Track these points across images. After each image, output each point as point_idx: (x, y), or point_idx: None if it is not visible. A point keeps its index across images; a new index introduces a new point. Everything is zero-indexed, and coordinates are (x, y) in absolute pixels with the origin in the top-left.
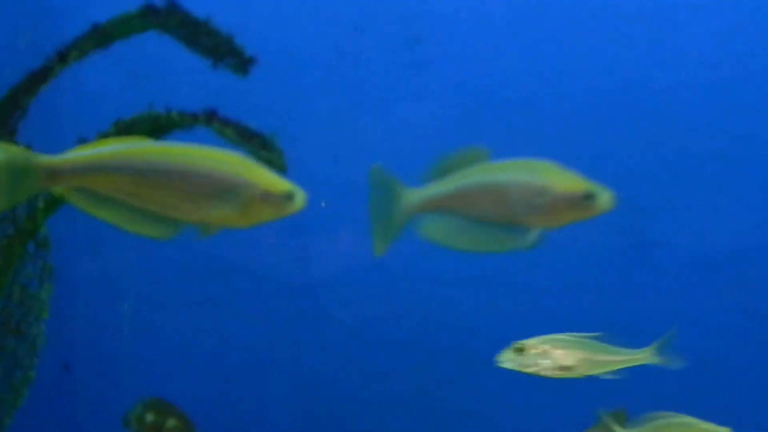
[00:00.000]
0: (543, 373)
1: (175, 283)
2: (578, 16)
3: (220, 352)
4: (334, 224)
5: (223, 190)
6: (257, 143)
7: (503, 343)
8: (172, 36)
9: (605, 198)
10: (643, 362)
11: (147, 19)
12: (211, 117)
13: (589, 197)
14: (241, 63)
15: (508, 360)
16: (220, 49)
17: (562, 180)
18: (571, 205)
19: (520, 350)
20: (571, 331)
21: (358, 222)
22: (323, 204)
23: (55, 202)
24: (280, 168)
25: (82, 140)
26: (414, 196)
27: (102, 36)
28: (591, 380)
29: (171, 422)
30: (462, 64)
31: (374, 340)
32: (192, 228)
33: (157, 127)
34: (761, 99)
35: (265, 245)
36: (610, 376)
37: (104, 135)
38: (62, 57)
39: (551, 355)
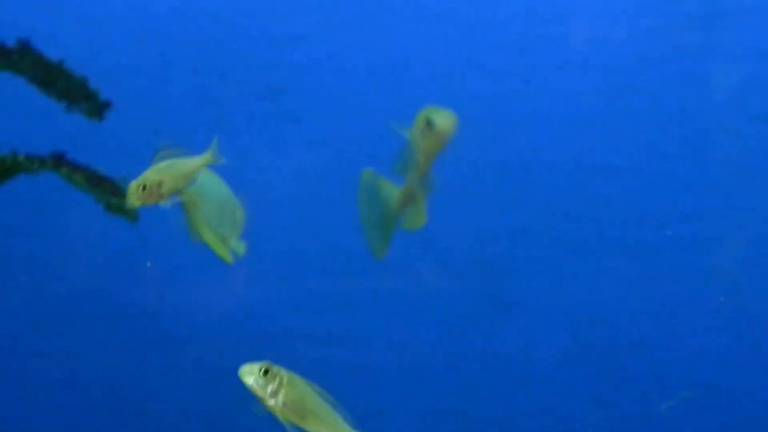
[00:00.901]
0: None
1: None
2: (443, 66)
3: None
4: (202, 271)
5: None
6: (107, 189)
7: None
8: (25, 77)
9: (441, 118)
10: None
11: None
12: (59, 161)
13: (428, 123)
14: (96, 107)
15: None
16: (74, 93)
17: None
18: (422, 135)
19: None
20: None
21: (227, 269)
22: (149, 264)
23: None
24: (131, 216)
25: None
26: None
27: None
28: None
29: None
30: (327, 115)
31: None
32: None
33: (2, 171)
34: (620, 162)
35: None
36: None
37: None
38: None
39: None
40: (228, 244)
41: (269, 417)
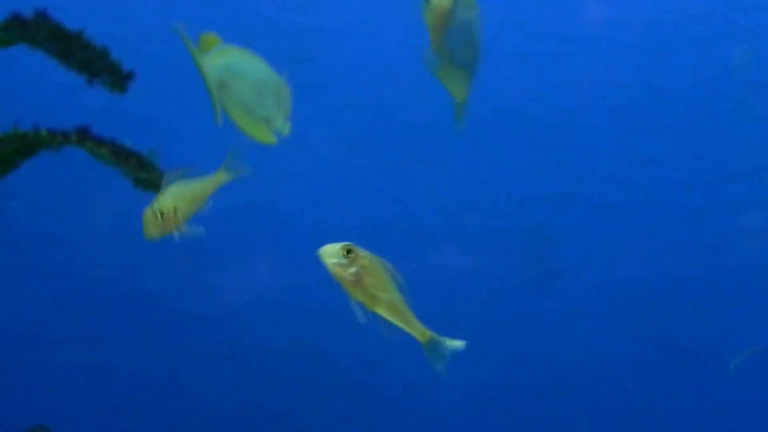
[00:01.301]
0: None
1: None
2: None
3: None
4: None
5: None
6: (134, 164)
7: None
8: (42, 50)
9: None
10: None
11: (13, 31)
12: (83, 136)
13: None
14: (118, 79)
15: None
16: (94, 64)
17: None
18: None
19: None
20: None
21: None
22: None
23: None
24: (158, 188)
25: None
26: None
27: None
28: None
29: None
30: (355, 83)
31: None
32: None
33: (23, 147)
34: (667, 121)
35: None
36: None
37: None
38: None
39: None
40: (271, 124)
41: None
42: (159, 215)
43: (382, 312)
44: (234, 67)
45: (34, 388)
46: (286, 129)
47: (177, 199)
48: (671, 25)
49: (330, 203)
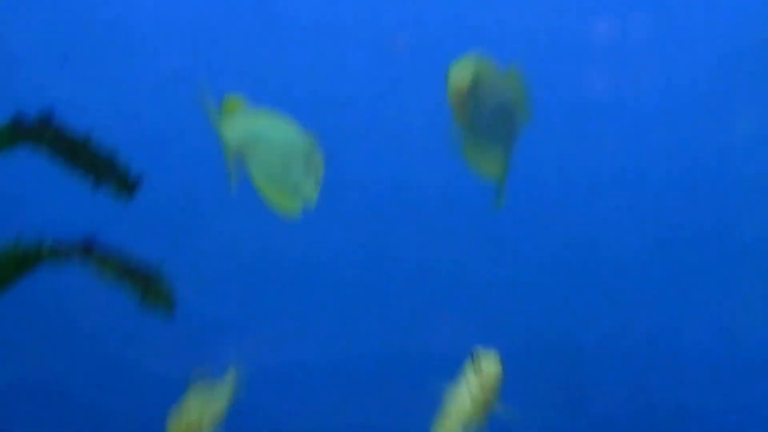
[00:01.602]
0: None
1: None
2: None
3: None
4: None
5: None
6: (141, 282)
7: None
8: (45, 153)
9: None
10: None
11: (16, 133)
12: (89, 248)
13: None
14: (125, 185)
15: None
16: (100, 169)
17: None
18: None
19: None
20: None
21: None
22: None
23: None
24: (168, 307)
25: None
26: None
27: None
28: None
29: None
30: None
31: None
32: None
33: (24, 262)
34: None
35: None
36: None
37: None
38: None
39: None
40: (298, 194)
41: None
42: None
43: None
44: (258, 132)
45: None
46: (314, 195)
47: (202, 411)
48: None
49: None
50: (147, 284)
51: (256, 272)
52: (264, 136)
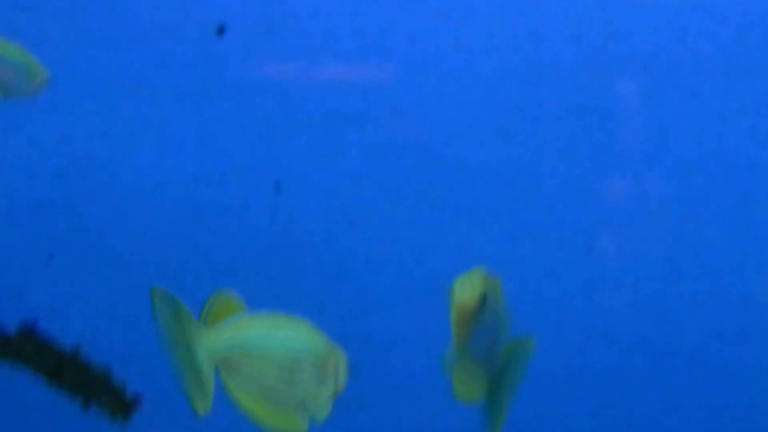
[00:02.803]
0: None
1: None
2: None
3: None
4: None
5: None
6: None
7: None
8: (29, 369)
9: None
10: None
11: None
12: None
13: None
14: (121, 405)
15: None
16: (91, 386)
17: None
18: None
19: None
20: None
21: None
22: None
23: None
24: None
25: None
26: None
27: None
28: None
29: None
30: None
31: None
32: None
33: None
34: None
35: None
36: None
37: None
38: None
39: None
40: (304, 411)
41: None
42: None
43: None
44: (250, 341)
45: None
46: (324, 412)
47: None
48: None
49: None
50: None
51: None
52: (258, 345)
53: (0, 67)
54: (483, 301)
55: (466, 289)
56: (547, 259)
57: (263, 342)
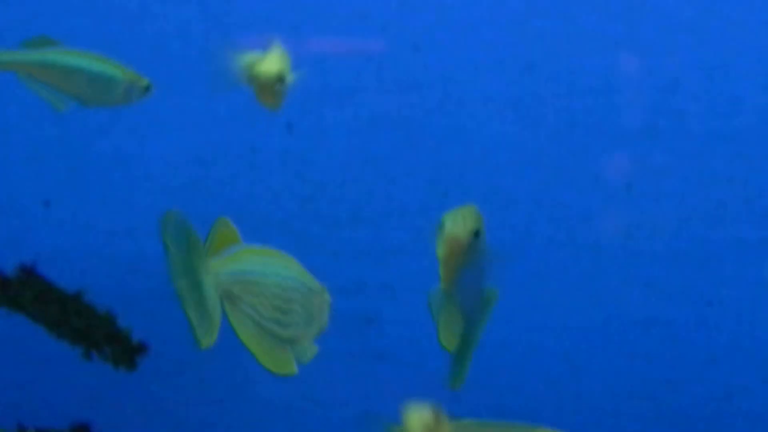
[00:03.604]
0: None
1: None
2: None
3: None
4: None
5: None
6: None
7: None
8: (27, 315)
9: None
10: None
11: None
12: None
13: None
14: (127, 351)
15: None
16: (94, 334)
17: None
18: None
19: None
20: None
21: None
22: None
23: None
24: None
25: None
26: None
27: None
28: None
29: None
30: None
31: None
32: None
33: None
34: None
35: None
36: None
37: None
38: None
39: None
40: (295, 347)
41: None
42: None
43: None
44: (251, 273)
45: None
46: (308, 355)
47: None
48: None
49: None
50: None
51: None
52: (257, 278)
53: (78, 77)
54: (476, 236)
55: (459, 224)
56: (585, 201)
57: (260, 276)
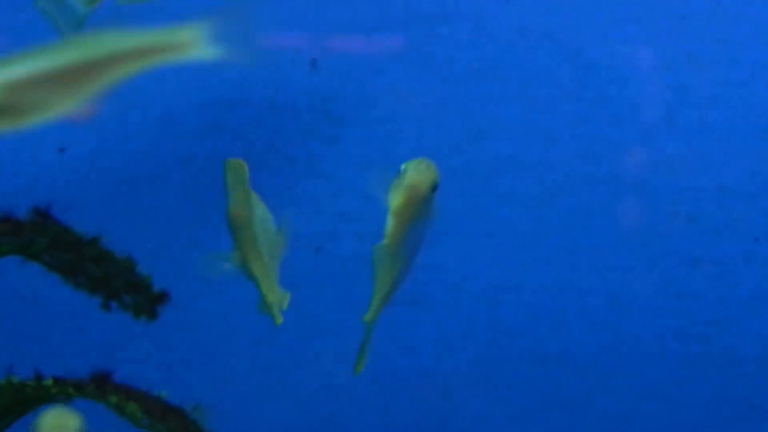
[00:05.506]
0: None
1: None
2: None
3: None
4: None
5: None
6: (174, 426)
7: None
8: (41, 263)
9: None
10: None
11: (4, 239)
12: (102, 385)
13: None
14: (147, 301)
15: None
16: (113, 282)
17: None
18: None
19: None
20: None
21: None
22: None
23: None
24: None
25: None
26: None
27: None
28: None
29: None
30: None
31: None
32: None
33: (21, 401)
34: None
35: None
36: None
37: None
38: None
39: None
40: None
41: None
42: None
43: None
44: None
45: None
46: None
47: None
48: None
49: None
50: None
51: None
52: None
53: None
54: (434, 189)
55: (422, 174)
56: (626, 134)
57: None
